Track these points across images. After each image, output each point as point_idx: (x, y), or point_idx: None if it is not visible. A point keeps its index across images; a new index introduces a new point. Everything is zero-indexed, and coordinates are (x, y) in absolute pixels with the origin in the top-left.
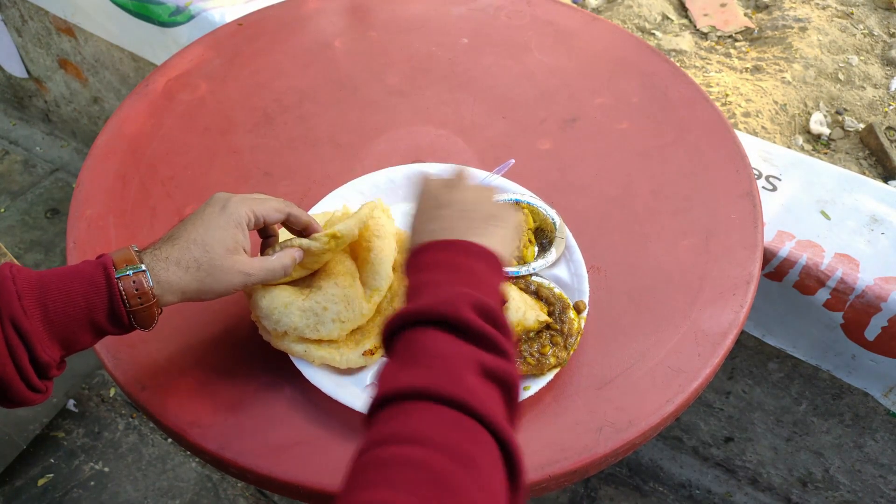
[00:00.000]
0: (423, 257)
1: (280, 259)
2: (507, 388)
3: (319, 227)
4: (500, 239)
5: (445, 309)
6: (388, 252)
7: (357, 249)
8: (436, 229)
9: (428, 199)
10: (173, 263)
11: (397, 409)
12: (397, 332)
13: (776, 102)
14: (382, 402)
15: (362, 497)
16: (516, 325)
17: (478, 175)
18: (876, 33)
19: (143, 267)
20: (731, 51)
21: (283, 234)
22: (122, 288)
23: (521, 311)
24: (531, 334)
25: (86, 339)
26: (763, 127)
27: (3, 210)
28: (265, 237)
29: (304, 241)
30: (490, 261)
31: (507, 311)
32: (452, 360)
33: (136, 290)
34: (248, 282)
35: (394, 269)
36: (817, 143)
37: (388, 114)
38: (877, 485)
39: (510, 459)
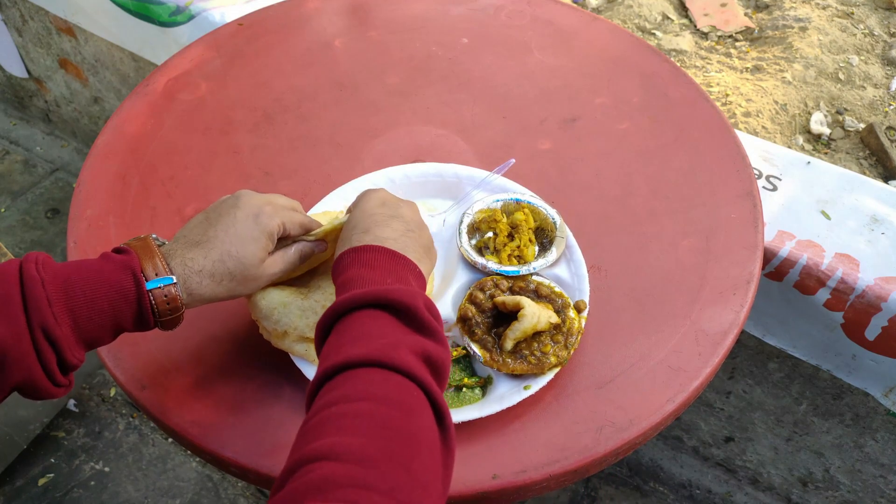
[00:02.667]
0: (367, 256)
1: (298, 250)
2: (439, 374)
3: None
4: (426, 269)
5: (400, 295)
6: None
7: None
8: (384, 237)
9: (379, 203)
10: (207, 276)
11: (344, 376)
12: (339, 318)
13: (776, 102)
14: (328, 375)
15: (312, 447)
16: (531, 329)
17: (477, 175)
18: (876, 33)
19: (174, 279)
20: (732, 51)
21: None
22: (153, 300)
23: (537, 316)
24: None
25: (107, 340)
26: (763, 127)
27: (3, 210)
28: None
29: (308, 241)
30: (421, 283)
31: (523, 319)
32: (396, 338)
33: (168, 303)
34: (272, 279)
35: None
36: (818, 143)
37: (389, 114)
38: (877, 485)
39: (442, 422)
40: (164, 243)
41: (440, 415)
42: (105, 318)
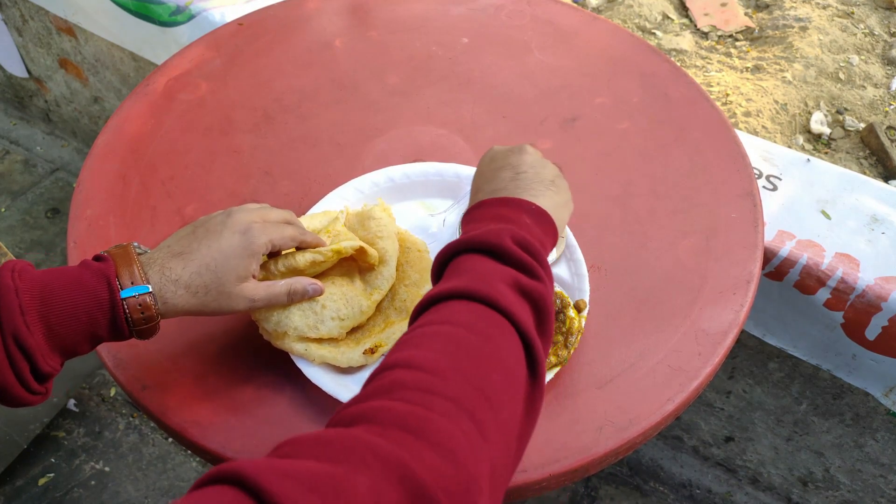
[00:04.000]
0: (475, 213)
1: (287, 286)
2: (538, 307)
3: (325, 242)
4: (552, 202)
5: (488, 237)
6: (392, 253)
7: (359, 250)
8: (493, 189)
9: (489, 161)
10: (182, 287)
11: (448, 303)
12: (446, 263)
13: (777, 102)
14: (430, 301)
15: (388, 359)
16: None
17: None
18: (876, 33)
19: (150, 288)
20: (732, 50)
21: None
22: (126, 308)
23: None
24: None
25: (84, 348)
26: (763, 126)
27: (3, 210)
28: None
29: (308, 256)
30: (537, 216)
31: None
32: (490, 273)
33: (142, 312)
34: (252, 307)
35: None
36: (818, 143)
37: (389, 113)
38: (877, 484)
39: (531, 355)
40: (145, 252)
41: (529, 348)
42: (80, 326)
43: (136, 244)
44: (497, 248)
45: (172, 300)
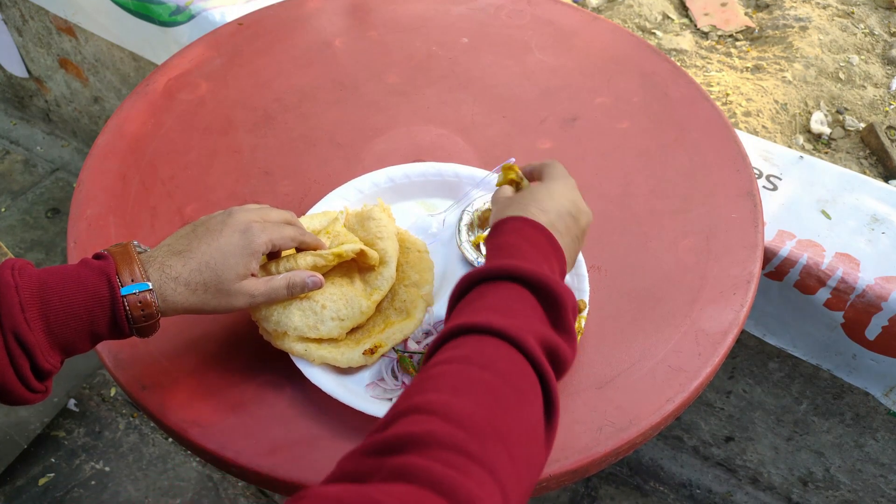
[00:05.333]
0: (535, 234)
1: (286, 279)
2: (558, 369)
3: (325, 244)
4: (574, 254)
5: (556, 288)
6: (392, 253)
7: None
8: (558, 230)
9: (570, 200)
10: (182, 284)
11: (471, 338)
12: (487, 281)
13: (777, 102)
14: (459, 331)
15: (425, 398)
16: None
17: (477, 174)
18: (876, 32)
19: (150, 285)
20: (732, 50)
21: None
22: (126, 305)
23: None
24: None
25: (84, 347)
26: (763, 126)
27: (3, 210)
28: (268, 257)
29: (310, 259)
30: (563, 274)
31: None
32: (533, 322)
33: (142, 309)
34: (252, 303)
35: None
36: (818, 143)
37: (389, 113)
38: (877, 484)
39: (550, 420)
40: (145, 250)
41: (551, 410)
42: (80, 323)
43: (135, 243)
44: (556, 303)
45: (172, 297)
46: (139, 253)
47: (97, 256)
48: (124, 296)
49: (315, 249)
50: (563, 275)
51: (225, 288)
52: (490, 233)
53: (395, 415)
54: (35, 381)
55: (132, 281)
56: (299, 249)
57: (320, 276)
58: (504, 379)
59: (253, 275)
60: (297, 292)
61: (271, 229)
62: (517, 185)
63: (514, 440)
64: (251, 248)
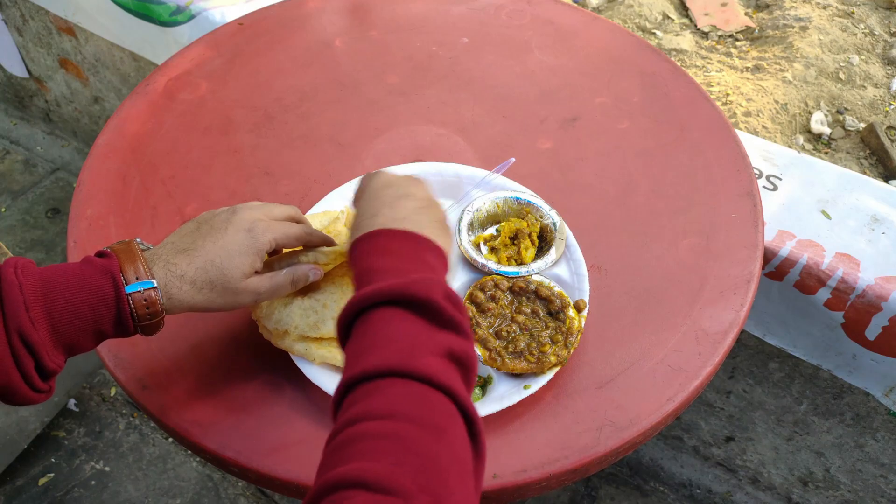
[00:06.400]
0: (382, 242)
1: (290, 273)
2: (466, 369)
3: (333, 241)
4: (447, 243)
5: (417, 290)
6: None
7: None
8: (398, 217)
9: (384, 185)
10: (188, 283)
11: (366, 388)
12: (361, 314)
13: (777, 102)
14: (350, 385)
15: (337, 472)
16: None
17: (477, 174)
18: (877, 32)
19: (155, 283)
20: (732, 50)
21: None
22: (132, 304)
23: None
24: (533, 331)
25: (88, 345)
26: (764, 126)
27: (3, 210)
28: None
29: (311, 256)
30: (443, 261)
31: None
32: (417, 339)
33: (147, 307)
34: (257, 300)
35: None
36: (818, 143)
37: (389, 113)
38: (877, 484)
39: (472, 429)
40: (148, 248)
41: (470, 422)
42: (85, 322)
43: (138, 240)
44: (428, 304)
45: (178, 295)
46: (143, 250)
47: (100, 254)
48: (129, 294)
49: (322, 245)
50: (436, 251)
51: (231, 286)
52: (349, 263)
53: (317, 494)
54: (39, 380)
55: (137, 279)
56: (305, 245)
57: (321, 268)
58: (409, 421)
59: (257, 272)
60: (301, 285)
61: (276, 227)
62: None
63: (439, 484)
64: (256, 246)
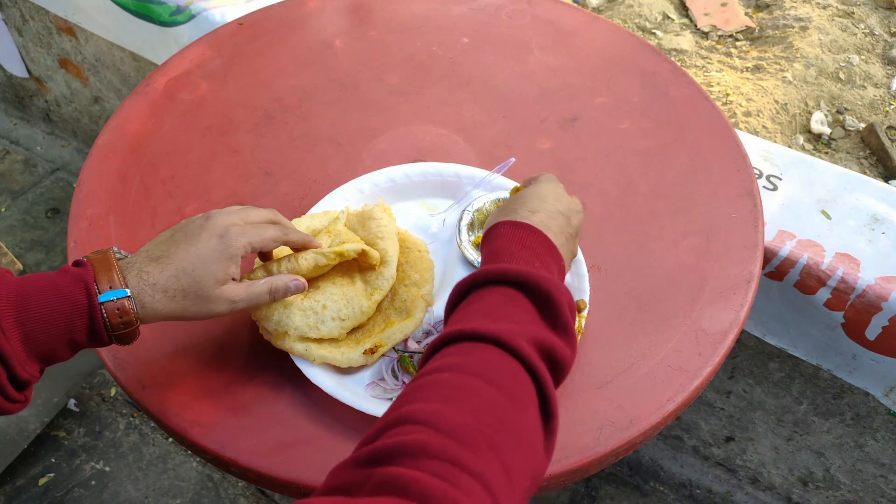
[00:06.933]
0: (526, 235)
1: (268, 283)
2: (559, 373)
3: (317, 242)
4: (571, 257)
5: (550, 287)
6: (393, 253)
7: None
8: (549, 227)
9: (556, 197)
10: (160, 291)
11: (466, 346)
12: (481, 286)
13: (777, 102)
14: (449, 339)
15: (414, 407)
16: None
17: (477, 174)
18: (877, 32)
19: (128, 292)
20: (732, 50)
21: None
22: (104, 313)
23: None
24: None
25: (64, 355)
26: (764, 126)
27: (3, 210)
28: (264, 258)
29: (311, 258)
30: (562, 272)
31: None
32: (530, 327)
33: (120, 316)
34: (233, 308)
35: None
36: (818, 143)
37: (389, 113)
38: (877, 484)
39: (549, 424)
40: (125, 256)
41: (548, 414)
42: (59, 331)
43: (115, 249)
44: (550, 302)
45: (151, 304)
46: (118, 259)
47: (76, 264)
48: (102, 303)
49: (303, 248)
50: (561, 273)
51: (204, 294)
52: (482, 241)
53: (384, 425)
54: (13, 390)
55: (110, 288)
56: (296, 249)
57: (303, 280)
58: (495, 385)
59: (234, 278)
60: (279, 297)
61: (251, 232)
62: None
63: (506, 448)
64: (229, 252)
